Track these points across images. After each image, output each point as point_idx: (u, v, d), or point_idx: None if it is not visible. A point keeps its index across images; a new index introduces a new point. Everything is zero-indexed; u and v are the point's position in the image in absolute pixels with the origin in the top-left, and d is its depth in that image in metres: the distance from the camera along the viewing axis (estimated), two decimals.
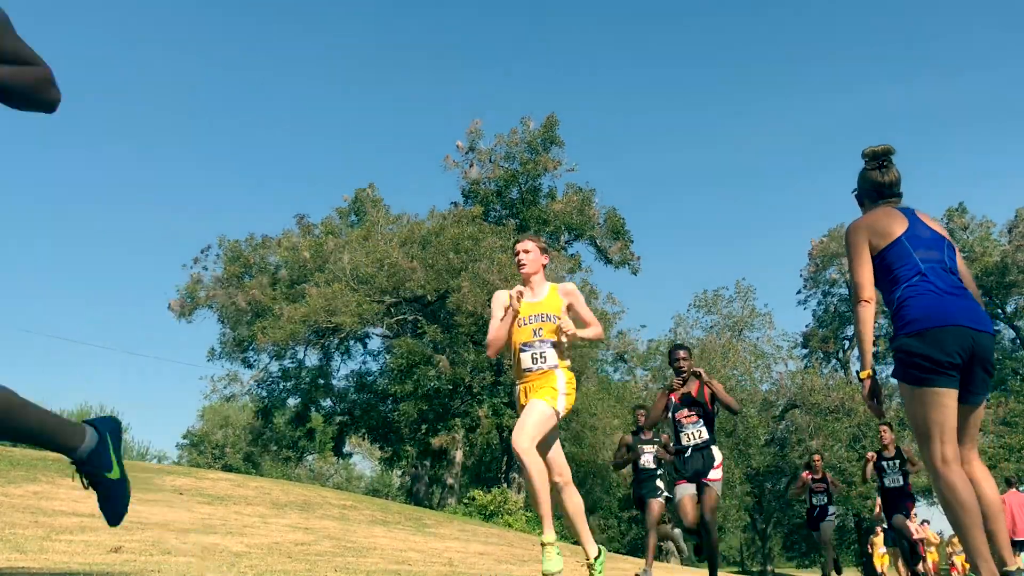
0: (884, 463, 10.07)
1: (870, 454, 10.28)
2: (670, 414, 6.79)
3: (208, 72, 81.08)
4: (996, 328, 40.86)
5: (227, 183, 77.89)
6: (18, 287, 78.41)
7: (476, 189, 34.43)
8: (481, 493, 26.69)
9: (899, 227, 3.67)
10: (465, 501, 27.35)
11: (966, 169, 77.92)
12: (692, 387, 6.78)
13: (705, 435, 6.59)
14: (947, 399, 3.40)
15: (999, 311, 41.65)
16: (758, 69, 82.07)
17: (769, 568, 41.03)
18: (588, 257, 36.07)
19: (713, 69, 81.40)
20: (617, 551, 32.13)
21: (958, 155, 79.25)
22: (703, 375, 6.68)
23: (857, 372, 3.91)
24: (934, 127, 79.71)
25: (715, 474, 6.51)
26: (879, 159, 3.90)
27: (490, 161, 34.60)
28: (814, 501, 11.61)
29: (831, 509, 11.64)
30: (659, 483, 9.07)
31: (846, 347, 45.21)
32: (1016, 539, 12.82)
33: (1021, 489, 14.09)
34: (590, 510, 38.66)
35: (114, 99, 78.70)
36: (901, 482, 9.95)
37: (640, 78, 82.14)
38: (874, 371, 3.75)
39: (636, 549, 37.82)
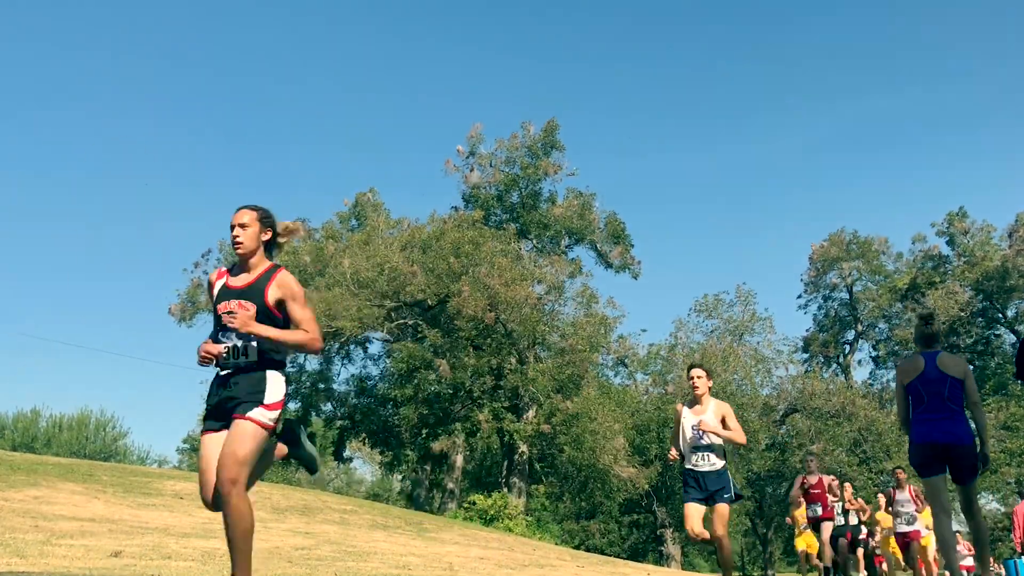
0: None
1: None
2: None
3: (210, 75, 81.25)
4: (996, 333, 41.40)
5: (228, 187, 77.83)
6: (19, 291, 78.45)
7: (477, 193, 34.40)
8: (481, 497, 26.65)
9: (917, 371, 5.84)
10: (465, 505, 27.30)
11: (967, 174, 77.96)
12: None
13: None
14: (930, 483, 5.86)
15: (999, 315, 41.62)
16: (759, 73, 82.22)
17: (770, 573, 40.92)
18: (588, 261, 35.99)
19: (714, 73, 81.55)
20: (617, 555, 32.06)
21: (959, 160, 79.29)
22: None
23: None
24: (935, 131, 79.79)
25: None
26: (926, 320, 6.07)
27: (491, 165, 34.59)
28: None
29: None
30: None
31: (846, 352, 45.20)
32: None
33: None
34: (591, 514, 38.58)
35: (115, 102, 78.86)
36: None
37: (641, 83, 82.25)
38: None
39: (637, 554, 37.73)
